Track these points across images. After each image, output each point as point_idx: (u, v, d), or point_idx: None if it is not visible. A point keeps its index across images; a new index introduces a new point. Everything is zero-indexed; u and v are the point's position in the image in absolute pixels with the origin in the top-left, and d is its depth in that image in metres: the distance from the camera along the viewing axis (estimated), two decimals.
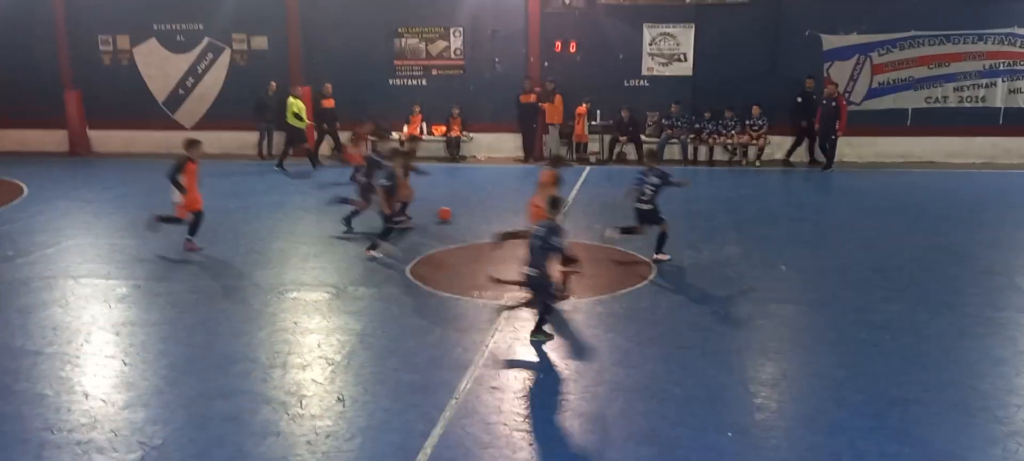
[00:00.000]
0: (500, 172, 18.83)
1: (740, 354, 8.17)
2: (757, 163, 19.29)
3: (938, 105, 19.02)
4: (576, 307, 9.55)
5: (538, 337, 8.39)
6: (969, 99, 18.93)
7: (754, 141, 19.31)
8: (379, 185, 11.61)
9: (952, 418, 6.73)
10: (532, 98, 19.57)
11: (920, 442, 6.35)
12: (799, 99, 18.81)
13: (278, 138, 19.90)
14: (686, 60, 19.74)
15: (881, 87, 19.10)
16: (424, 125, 20.47)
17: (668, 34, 19.70)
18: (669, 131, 19.67)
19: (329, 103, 19.95)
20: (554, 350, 8.26)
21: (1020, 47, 18.52)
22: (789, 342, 8.58)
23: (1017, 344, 8.34)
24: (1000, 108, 18.84)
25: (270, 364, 7.87)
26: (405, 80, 20.72)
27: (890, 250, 11.93)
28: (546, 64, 20.07)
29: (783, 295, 10.00)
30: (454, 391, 7.22)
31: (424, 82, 20.72)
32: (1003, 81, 18.71)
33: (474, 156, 20.48)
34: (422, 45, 20.63)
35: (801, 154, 19.17)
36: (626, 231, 11.50)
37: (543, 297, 8.30)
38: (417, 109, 20.31)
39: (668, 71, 19.86)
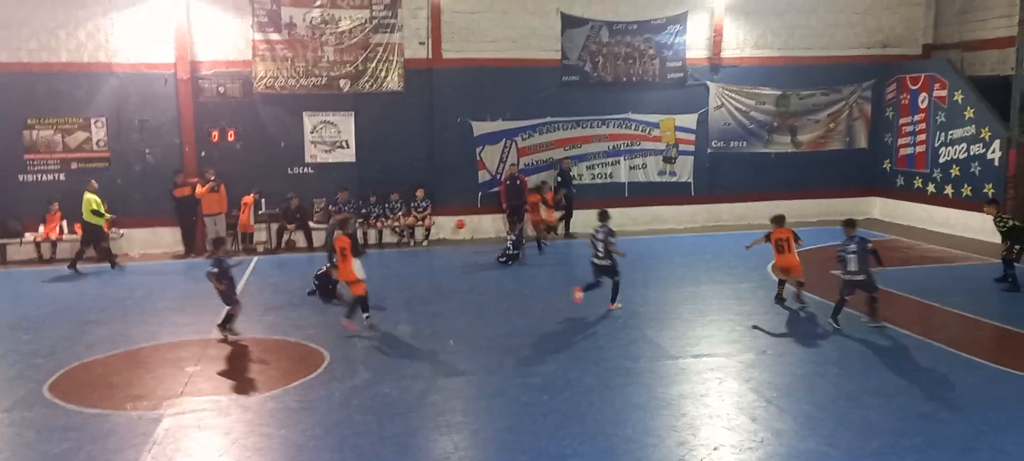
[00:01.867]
0: (157, 269, 17.52)
1: (413, 434, 8.35)
2: (425, 243, 20.06)
3: (576, 182, 21.30)
4: (245, 406, 9.14)
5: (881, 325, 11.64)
6: (599, 176, 21.47)
7: (419, 222, 20.09)
8: None
9: None
10: (187, 191, 18.56)
11: None
12: (558, 178, 20.52)
13: None
14: (349, 147, 20.09)
15: (526, 168, 20.97)
16: (64, 224, 18.46)
17: (329, 122, 19.95)
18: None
19: None
20: (221, 456, 7.80)
21: (634, 130, 21.48)
22: (461, 413, 8.94)
23: (651, 390, 9.48)
24: (624, 182, 21.61)
25: None
26: (39, 175, 18.61)
27: (546, 314, 13.00)
28: (203, 154, 19.25)
29: (454, 369, 10.43)
30: None
31: (62, 177, 18.75)
32: (624, 159, 21.52)
33: (126, 253, 18.84)
34: (58, 137, 18.72)
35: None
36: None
37: (873, 290, 11.70)
38: (55, 206, 18.28)
39: (332, 158, 20.06)
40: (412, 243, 20.05)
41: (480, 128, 20.60)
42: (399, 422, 8.61)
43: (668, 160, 21.74)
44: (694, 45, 21.35)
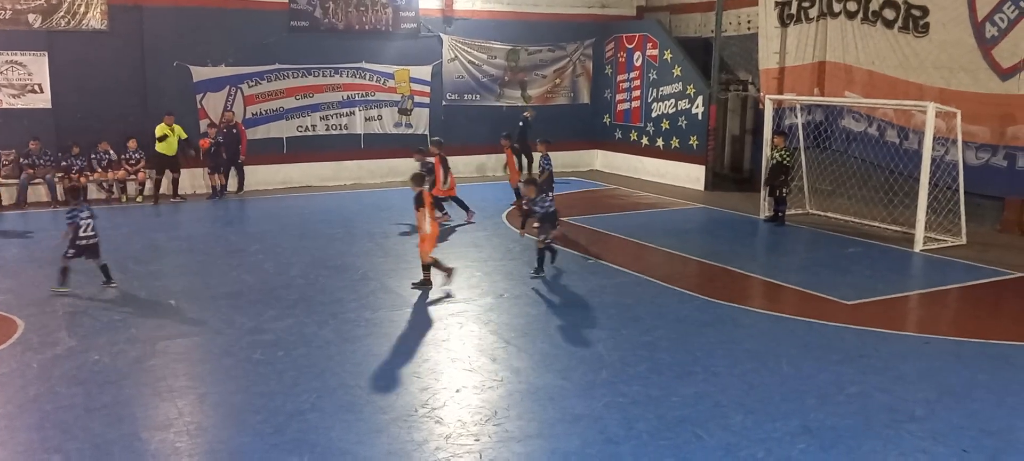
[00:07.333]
0: None
1: (128, 403, 7.48)
2: (139, 198, 18.24)
3: (309, 133, 20.42)
4: None
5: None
6: (334, 127, 20.74)
7: (131, 175, 18.21)
8: None
9: (343, 418, 7.14)
10: None
11: (317, 447, 6.57)
12: (520, 123, 20.40)
13: None
14: (43, 91, 17.63)
15: (255, 117, 19.73)
16: None
17: (17, 62, 17.35)
18: (30, 171, 17.32)
19: None
20: None
21: (369, 80, 20.96)
22: (184, 377, 8.15)
23: (391, 339, 9.28)
24: (360, 134, 21.06)
25: None
26: None
27: (278, 270, 12.31)
28: None
29: (175, 330, 9.52)
30: None
31: None
32: (359, 110, 20.96)
33: None
34: None
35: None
36: None
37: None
38: None
39: (21, 103, 17.50)
40: (123, 199, 18.15)
41: (200, 74, 19.02)
42: (111, 391, 7.67)
43: (404, 112, 21.52)
44: None
